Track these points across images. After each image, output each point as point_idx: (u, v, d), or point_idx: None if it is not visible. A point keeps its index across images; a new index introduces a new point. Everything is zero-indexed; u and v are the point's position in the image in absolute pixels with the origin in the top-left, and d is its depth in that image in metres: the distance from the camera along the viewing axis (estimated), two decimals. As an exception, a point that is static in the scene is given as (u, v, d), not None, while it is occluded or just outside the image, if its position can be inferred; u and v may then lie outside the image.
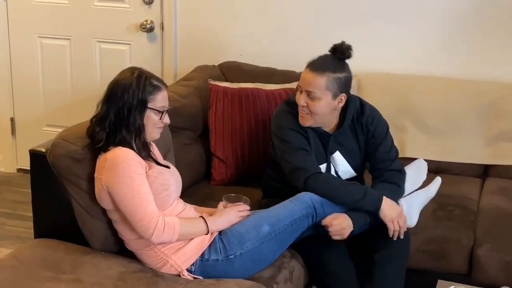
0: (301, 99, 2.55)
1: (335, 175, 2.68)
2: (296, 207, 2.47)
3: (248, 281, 2.32)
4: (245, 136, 3.14)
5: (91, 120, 2.41)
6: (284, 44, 3.71)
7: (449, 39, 3.47)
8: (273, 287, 2.38)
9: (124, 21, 3.97)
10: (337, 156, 2.68)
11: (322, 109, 2.54)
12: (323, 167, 2.65)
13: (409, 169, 2.78)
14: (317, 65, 2.52)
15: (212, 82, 3.25)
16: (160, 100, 2.37)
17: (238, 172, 3.17)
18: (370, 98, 2.91)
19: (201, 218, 2.38)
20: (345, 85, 2.54)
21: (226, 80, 3.50)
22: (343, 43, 2.56)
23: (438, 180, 2.85)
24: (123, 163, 2.25)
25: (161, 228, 2.23)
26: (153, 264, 2.35)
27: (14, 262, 2.31)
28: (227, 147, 3.15)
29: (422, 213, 2.81)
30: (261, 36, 3.75)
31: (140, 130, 2.35)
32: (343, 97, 2.56)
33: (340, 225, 2.48)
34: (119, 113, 2.31)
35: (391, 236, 2.57)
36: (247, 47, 3.77)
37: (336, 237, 2.49)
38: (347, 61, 2.58)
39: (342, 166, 2.68)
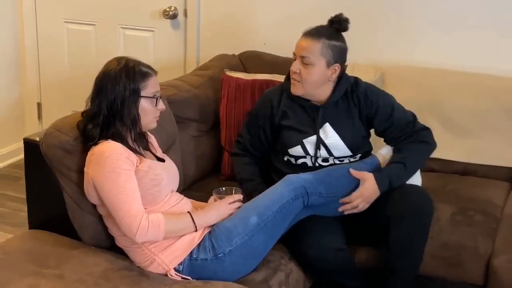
0: (294, 65, 2.54)
1: (324, 149, 2.59)
2: (283, 190, 2.33)
3: (237, 285, 2.19)
4: (257, 130, 3.00)
5: (82, 114, 2.33)
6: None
7: (477, 32, 3.24)
8: (265, 291, 2.25)
9: (147, 7, 3.88)
10: (327, 128, 2.60)
11: (315, 76, 2.52)
12: (312, 139, 2.59)
13: None
14: (313, 32, 2.55)
15: (227, 72, 3.13)
16: (152, 86, 2.28)
17: (249, 167, 3.04)
18: (394, 91, 2.78)
19: (187, 214, 2.27)
20: (340, 54, 2.54)
21: (245, 70, 3.37)
22: (340, 15, 2.57)
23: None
24: (109, 157, 2.16)
25: (145, 227, 2.13)
26: (141, 262, 2.26)
27: (0, 254, 2.25)
28: (238, 141, 3.02)
29: (439, 218, 2.65)
30: (286, 24, 3.59)
31: (135, 121, 2.25)
32: (337, 67, 2.54)
33: (370, 197, 2.45)
34: (112, 106, 2.22)
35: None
36: (272, 35, 3.62)
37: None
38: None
39: (332, 138, 2.59)
